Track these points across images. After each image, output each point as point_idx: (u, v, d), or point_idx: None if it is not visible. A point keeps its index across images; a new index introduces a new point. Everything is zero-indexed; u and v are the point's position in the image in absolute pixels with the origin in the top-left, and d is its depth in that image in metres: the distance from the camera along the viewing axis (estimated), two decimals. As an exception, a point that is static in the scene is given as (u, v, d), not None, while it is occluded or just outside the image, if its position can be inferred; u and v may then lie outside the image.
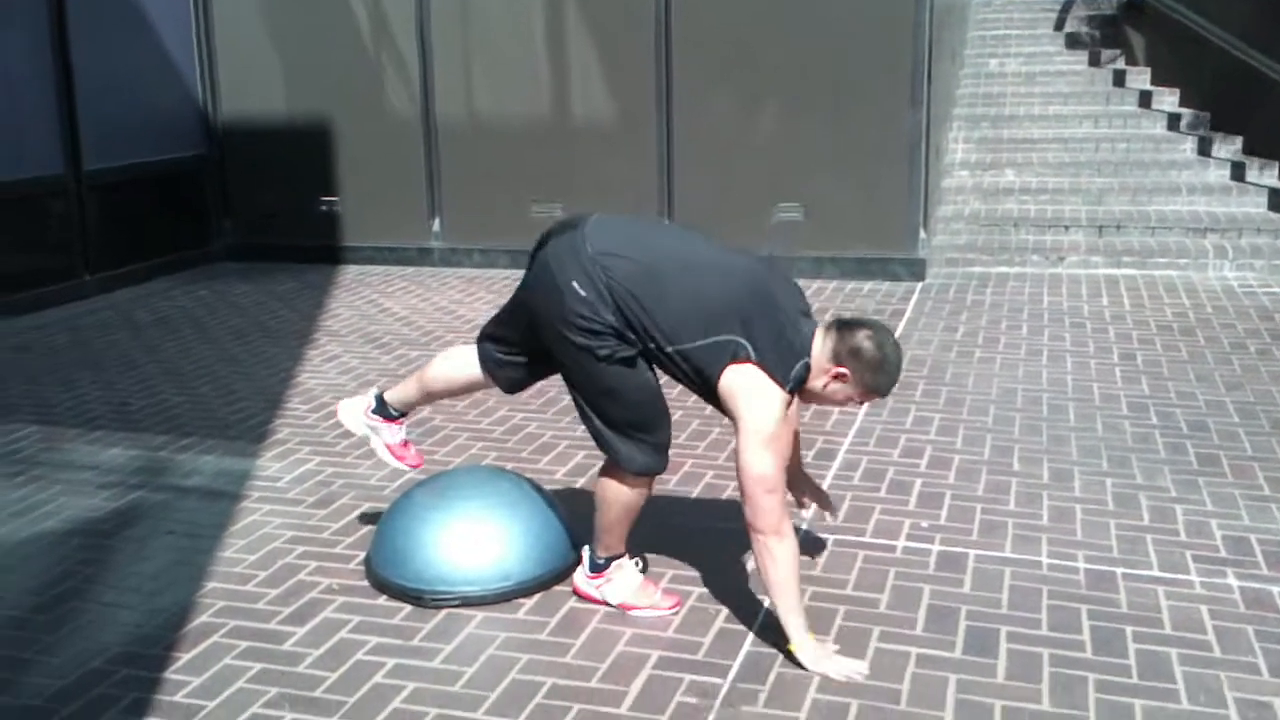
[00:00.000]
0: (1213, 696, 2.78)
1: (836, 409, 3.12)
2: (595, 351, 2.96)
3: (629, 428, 3.07)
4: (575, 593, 3.33)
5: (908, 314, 6.47)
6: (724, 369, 2.90)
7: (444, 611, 3.26)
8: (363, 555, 3.59)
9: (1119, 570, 3.43)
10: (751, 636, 3.10)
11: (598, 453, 3.17)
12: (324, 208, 8.32)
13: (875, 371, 2.94)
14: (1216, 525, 3.72)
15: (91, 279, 7.46)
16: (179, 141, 8.27)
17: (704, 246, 3.08)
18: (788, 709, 2.77)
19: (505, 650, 3.06)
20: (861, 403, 3.08)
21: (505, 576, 3.33)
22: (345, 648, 3.08)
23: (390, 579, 3.36)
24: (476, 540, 3.34)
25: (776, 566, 2.89)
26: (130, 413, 5.09)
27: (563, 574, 3.43)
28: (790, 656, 2.95)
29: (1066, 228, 7.76)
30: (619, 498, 3.16)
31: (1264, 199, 7.85)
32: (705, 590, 3.36)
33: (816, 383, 2.97)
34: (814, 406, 3.22)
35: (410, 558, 3.34)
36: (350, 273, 8.07)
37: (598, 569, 3.28)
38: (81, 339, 6.41)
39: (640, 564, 3.35)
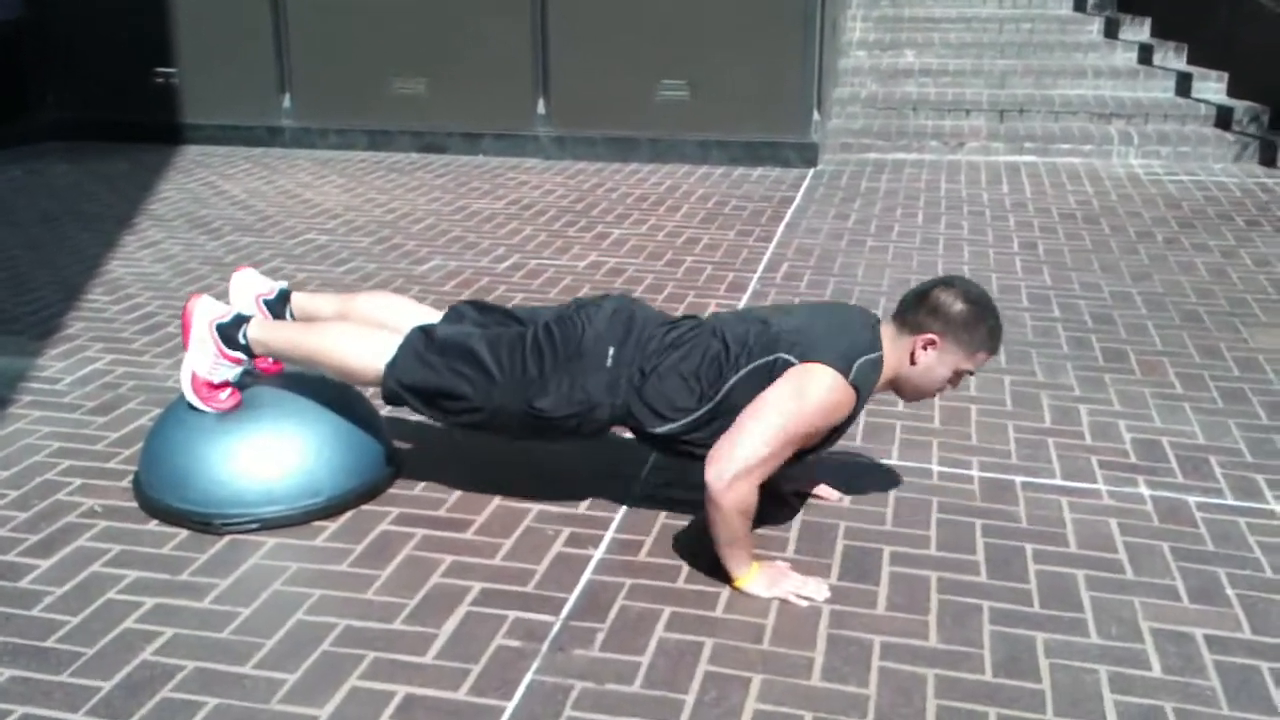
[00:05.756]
0: (1126, 627, 2.38)
1: (945, 392, 2.71)
2: (550, 409, 2.64)
3: (453, 378, 2.67)
4: (183, 318, 2.85)
5: (797, 201, 5.98)
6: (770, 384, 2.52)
7: (227, 539, 2.71)
8: (139, 471, 3.02)
9: (1018, 479, 3.02)
10: (595, 562, 2.62)
11: None
12: (160, 80, 7.47)
13: (970, 325, 2.53)
14: (1125, 427, 3.33)
15: (-113, 156, 6.61)
16: (-10, 2, 7.35)
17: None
18: (628, 652, 2.30)
19: (293, 585, 2.54)
20: (974, 370, 2.62)
21: (315, 492, 2.80)
22: (96, 584, 2.53)
23: (170, 504, 2.79)
24: (277, 452, 2.79)
25: (721, 518, 2.45)
26: (-99, 305, 4.39)
27: (380, 487, 2.94)
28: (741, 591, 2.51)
29: (967, 112, 7.33)
30: (336, 350, 2.74)
31: (1172, 83, 7.48)
32: (546, 508, 2.86)
33: (905, 366, 2.57)
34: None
35: (194, 477, 2.77)
36: (190, 153, 7.28)
37: (235, 346, 2.80)
38: None
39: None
